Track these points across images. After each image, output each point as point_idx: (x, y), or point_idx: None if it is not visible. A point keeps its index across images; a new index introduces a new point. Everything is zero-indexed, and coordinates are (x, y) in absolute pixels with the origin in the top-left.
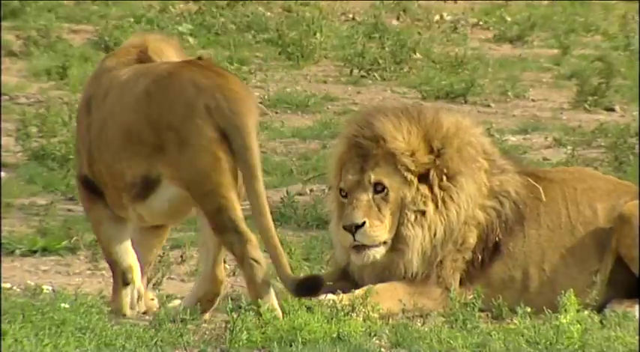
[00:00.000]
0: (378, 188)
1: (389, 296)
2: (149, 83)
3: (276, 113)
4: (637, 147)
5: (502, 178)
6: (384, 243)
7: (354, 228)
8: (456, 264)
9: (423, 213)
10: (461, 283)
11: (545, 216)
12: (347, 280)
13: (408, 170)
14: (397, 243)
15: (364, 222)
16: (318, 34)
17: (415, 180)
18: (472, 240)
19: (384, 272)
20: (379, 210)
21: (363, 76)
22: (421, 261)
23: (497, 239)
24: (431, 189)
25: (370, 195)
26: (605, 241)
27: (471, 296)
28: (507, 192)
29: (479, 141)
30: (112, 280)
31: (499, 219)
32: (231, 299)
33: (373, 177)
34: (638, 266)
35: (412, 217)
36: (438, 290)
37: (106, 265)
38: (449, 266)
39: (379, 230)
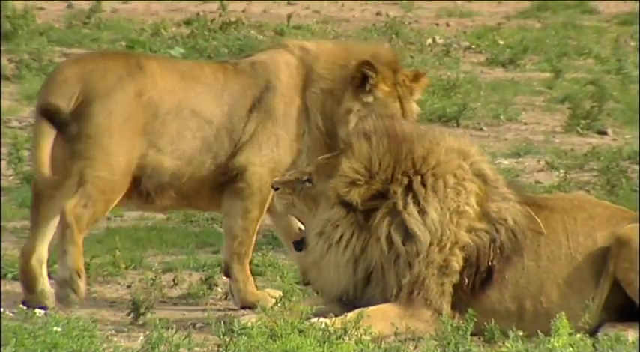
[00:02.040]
0: None
1: (380, 319)
2: None
3: None
4: (638, 171)
5: (501, 205)
6: None
7: None
8: (443, 288)
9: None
10: (453, 307)
11: (545, 247)
12: (338, 303)
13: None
14: None
15: None
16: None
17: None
18: (457, 263)
19: None
20: None
21: None
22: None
23: (489, 263)
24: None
25: None
26: (602, 268)
27: (463, 320)
28: (505, 219)
29: (478, 166)
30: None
31: (493, 245)
32: (223, 322)
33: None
34: (635, 289)
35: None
36: (428, 313)
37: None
38: (435, 289)
39: None
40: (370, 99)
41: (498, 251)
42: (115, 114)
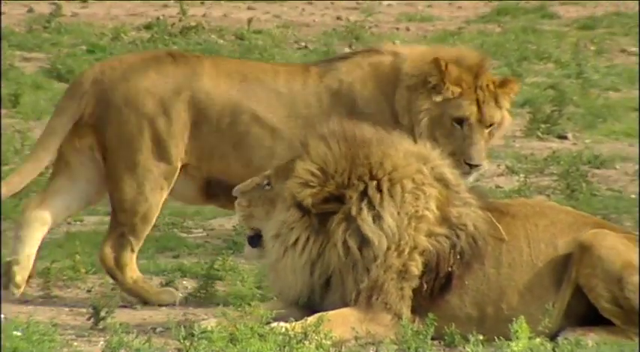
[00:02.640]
0: None
1: (341, 323)
2: None
3: None
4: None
5: (462, 210)
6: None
7: None
8: (402, 292)
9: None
10: (413, 311)
11: (507, 254)
12: (298, 308)
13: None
14: None
15: None
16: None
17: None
18: (415, 268)
19: None
20: None
21: None
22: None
23: (449, 269)
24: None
25: None
26: (563, 275)
27: (423, 325)
28: (465, 225)
29: (438, 171)
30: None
31: (453, 250)
32: (184, 326)
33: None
34: (597, 295)
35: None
36: (388, 317)
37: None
38: (394, 294)
39: None
40: (439, 98)
41: (458, 256)
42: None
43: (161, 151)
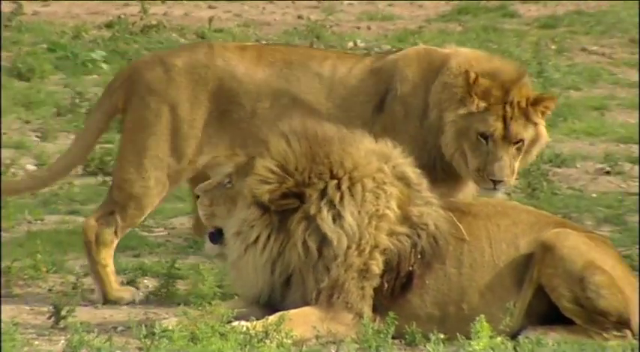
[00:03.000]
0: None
1: (302, 322)
2: None
3: None
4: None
5: (423, 210)
6: None
7: None
8: (363, 291)
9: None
10: (374, 310)
11: (468, 254)
12: (259, 307)
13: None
14: None
15: None
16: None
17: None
18: (376, 267)
19: None
20: None
21: None
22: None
23: (410, 268)
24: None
25: None
26: (524, 275)
27: (384, 324)
28: (426, 224)
29: (400, 170)
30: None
31: (414, 249)
32: (145, 325)
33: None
34: (559, 295)
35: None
36: (349, 316)
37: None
38: (355, 293)
39: None
40: (463, 111)
41: (419, 256)
42: None
43: (176, 145)
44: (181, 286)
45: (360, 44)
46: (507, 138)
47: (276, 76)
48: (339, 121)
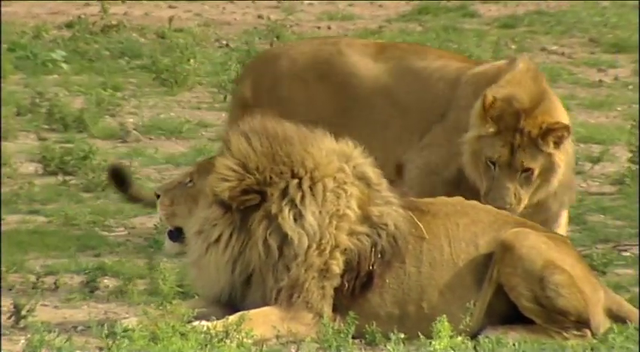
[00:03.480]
0: None
1: (262, 322)
2: None
3: (150, 139)
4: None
5: (383, 210)
6: None
7: None
8: (324, 291)
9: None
10: (334, 310)
11: (428, 253)
12: (220, 306)
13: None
14: None
15: None
16: (191, 61)
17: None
18: (337, 267)
19: None
20: None
21: None
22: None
23: (370, 268)
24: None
25: None
26: (484, 274)
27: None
28: (386, 224)
29: (360, 169)
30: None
31: (374, 249)
32: (105, 325)
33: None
34: (518, 294)
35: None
36: (309, 316)
37: None
38: (315, 293)
39: None
40: (474, 133)
41: (379, 255)
42: None
43: None
44: (142, 286)
45: None
46: (513, 166)
47: (383, 70)
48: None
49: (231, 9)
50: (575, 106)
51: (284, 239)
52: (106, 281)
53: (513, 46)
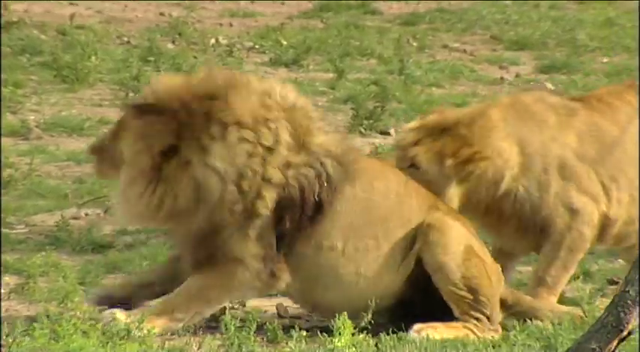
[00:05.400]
0: None
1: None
2: None
3: (52, 136)
4: None
5: (323, 137)
6: None
7: None
8: (248, 238)
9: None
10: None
11: (377, 183)
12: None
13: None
14: None
15: None
16: (93, 58)
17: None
18: (264, 207)
19: None
20: None
21: None
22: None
23: (316, 198)
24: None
25: None
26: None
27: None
28: (329, 150)
29: (289, 101)
30: None
31: (318, 177)
32: (7, 323)
33: None
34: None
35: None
36: (238, 270)
37: None
38: (238, 242)
39: None
40: None
41: (325, 183)
42: None
43: None
44: (43, 283)
45: (223, 41)
46: None
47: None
48: None
49: (133, 6)
50: (476, 104)
51: (197, 187)
52: (6, 278)
53: (415, 44)
